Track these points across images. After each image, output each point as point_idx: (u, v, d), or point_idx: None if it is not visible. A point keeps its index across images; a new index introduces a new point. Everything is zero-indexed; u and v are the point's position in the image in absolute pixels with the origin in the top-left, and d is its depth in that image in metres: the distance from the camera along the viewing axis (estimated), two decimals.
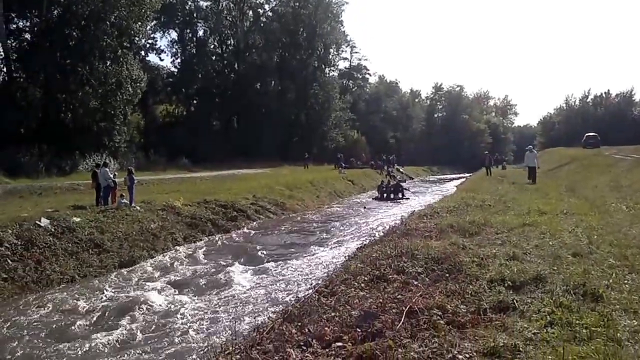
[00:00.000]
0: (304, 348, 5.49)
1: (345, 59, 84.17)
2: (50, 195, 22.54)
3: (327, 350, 5.37)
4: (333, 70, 74.77)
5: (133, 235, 16.30)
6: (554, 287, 6.31)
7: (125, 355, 8.13)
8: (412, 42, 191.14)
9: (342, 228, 20.87)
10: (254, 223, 21.94)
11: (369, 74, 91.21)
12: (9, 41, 33.51)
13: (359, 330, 5.69)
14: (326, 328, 6.02)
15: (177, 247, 16.82)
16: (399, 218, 17.51)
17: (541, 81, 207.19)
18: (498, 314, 5.72)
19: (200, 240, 18.28)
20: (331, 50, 71.11)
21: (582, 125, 73.58)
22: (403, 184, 38.46)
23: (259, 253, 15.95)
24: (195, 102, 59.44)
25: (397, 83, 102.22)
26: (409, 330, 5.51)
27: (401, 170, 60.45)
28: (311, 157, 53.60)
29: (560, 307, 5.61)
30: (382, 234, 14.77)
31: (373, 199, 32.99)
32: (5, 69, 34.13)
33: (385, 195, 32.81)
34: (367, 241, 14.13)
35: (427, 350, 4.87)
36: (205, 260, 15.19)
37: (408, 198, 32.39)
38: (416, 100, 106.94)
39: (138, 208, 18.55)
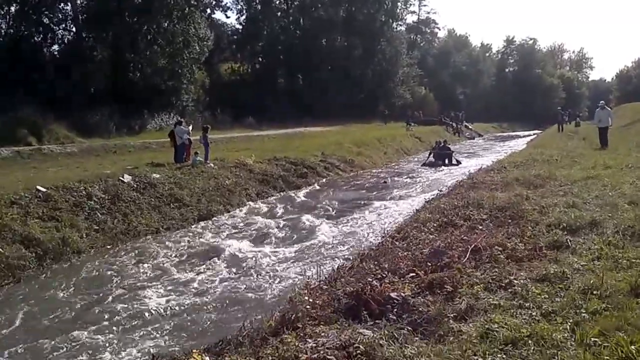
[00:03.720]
0: (382, 277, 6.46)
1: (413, 12, 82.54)
2: (125, 153, 23.52)
3: (402, 279, 6.33)
4: (400, 25, 72.63)
5: (209, 190, 16.97)
6: (606, 230, 7.00)
7: (211, 292, 9.09)
8: None
9: (409, 183, 21.48)
10: (324, 180, 22.47)
11: (437, 28, 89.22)
12: (77, 1, 33.53)
13: (429, 264, 6.64)
14: (400, 263, 6.97)
15: (251, 203, 17.48)
16: (465, 173, 18.07)
17: (619, 32, 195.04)
18: (552, 250, 6.53)
19: (273, 195, 18.87)
20: (399, 3, 69.14)
21: None
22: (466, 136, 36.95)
23: (331, 207, 16.52)
24: (260, 59, 58.81)
25: (467, 37, 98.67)
26: (473, 263, 6.45)
27: (470, 127, 59.45)
28: (390, 113, 53.21)
29: (609, 245, 6.36)
30: (448, 188, 15.18)
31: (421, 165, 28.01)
32: (74, 29, 34.18)
33: (434, 159, 27.92)
34: (435, 194, 14.82)
35: (488, 277, 5.81)
36: (280, 214, 15.89)
37: (459, 163, 27.12)
38: (487, 54, 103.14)
39: (212, 165, 19.13)
